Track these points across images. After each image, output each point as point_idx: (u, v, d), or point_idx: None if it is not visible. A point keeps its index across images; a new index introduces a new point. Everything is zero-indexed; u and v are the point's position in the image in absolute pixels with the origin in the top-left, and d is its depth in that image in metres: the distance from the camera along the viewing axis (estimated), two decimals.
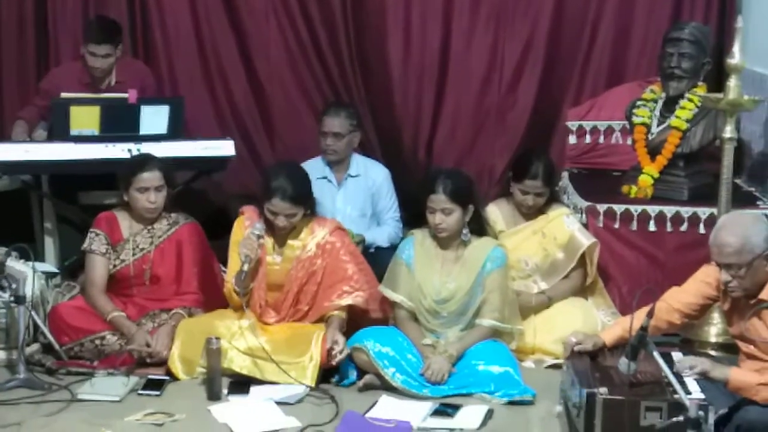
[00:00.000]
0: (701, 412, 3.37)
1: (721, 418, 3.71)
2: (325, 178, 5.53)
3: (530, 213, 5.09)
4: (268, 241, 4.75)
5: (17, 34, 6.26)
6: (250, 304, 4.73)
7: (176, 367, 4.58)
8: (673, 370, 3.75)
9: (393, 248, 5.00)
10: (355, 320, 4.76)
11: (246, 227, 4.74)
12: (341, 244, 4.76)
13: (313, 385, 4.46)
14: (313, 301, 4.73)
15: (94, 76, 5.72)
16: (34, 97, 5.90)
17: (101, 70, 5.70)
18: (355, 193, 5.59)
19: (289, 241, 4.76)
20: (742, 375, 3.86)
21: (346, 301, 4.69)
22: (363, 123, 6.39)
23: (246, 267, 4.59)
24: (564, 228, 5.03)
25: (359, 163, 5.66)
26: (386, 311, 4.84)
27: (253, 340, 4.56)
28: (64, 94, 5.45)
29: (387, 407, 4.31)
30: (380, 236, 5.54)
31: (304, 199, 4.71)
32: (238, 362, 4.55)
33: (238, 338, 4.58)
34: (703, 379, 3.86)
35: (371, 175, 5.63)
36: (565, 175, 5.81)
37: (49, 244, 5.55)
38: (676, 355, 4.08)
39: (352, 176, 5.61)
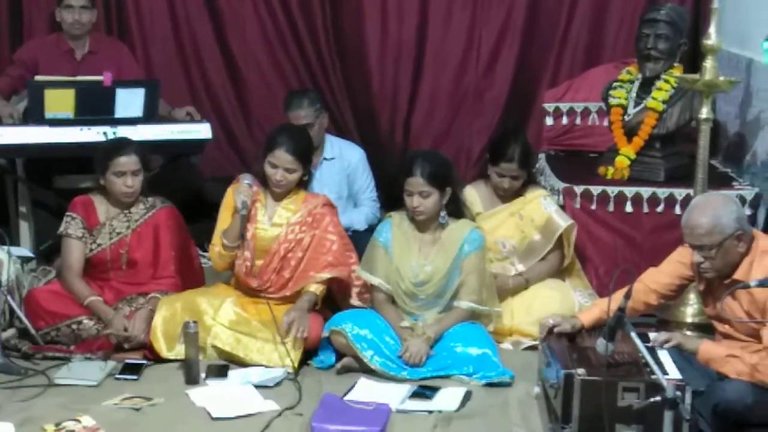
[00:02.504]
0: (678, 392, 3.39)
1: (697, 396, 3.74)
2: None
3: (507, 195, 5.09)
4: (260, 207, 4.77)
5: None
6: (235, 266, 4.76)
7: (158, 342, 4.58)
8: (647, 345, 3.77)
9: (371, 231, 5.00)
10: (336, 302, 4.77)
11: None
12: (330, 219, 4.78)
13: (295, 367, 4.47)
14: (296, 269, 4.74)
15: (72, 35, 5.68)
16: (7, 67, 5.84)
17: (80, 24, 5.66)
18: (330, 176, 5.59)
19: (280, 209, 4.78)
20: (711, 346, 3.91)
21: (328, 274, 4.68)
22: (340, 105, 6.42)
23: (244, 212, 4.65)
24: (541, 210, 5.03)
25: (333, 145, 5.66)
26: (365, 297, 4.83)
27: (237, 314, 4.59)
28: (38, 77, 5.42)
29: (365, 390, 4.32)
30: (357, 218, 5.54)
31: (304, 158, 4.75)
32: (222, 338, 4.57)
33: (222, 313, 4.60)
34: (677, 351, 3.89)
35: (346, 157, 5.63)
36: (542, 156, 5.83)
37: (25, 229, 5.52)
38: (653, 335, 4.11)
39: (327, 159, 5.61)
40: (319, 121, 5.54)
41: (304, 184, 4.84)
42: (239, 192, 4.71)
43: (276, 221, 4.78)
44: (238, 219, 4.69)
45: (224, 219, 4.79)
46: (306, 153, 4.78)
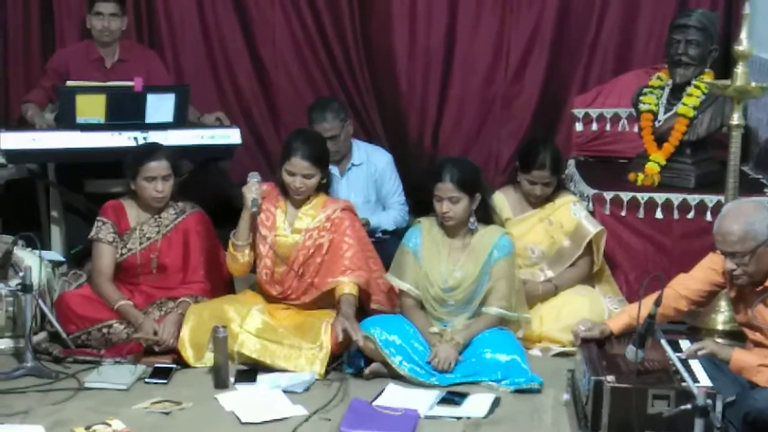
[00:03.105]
0: (709, 400, 3.37)
1: (728, 406, 3.72)
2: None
3: (537, 201, 5.09)
4: (280, 214, 4.79)
5: (22, 18, 6.27)
6: (257, 273, 4.78)
7: (186, 351, 4.60)
8: (679, 354, 3.76)
9: (399, 236, 5.01)
10: (362, 308, 4.77)
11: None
12: (350, 223, 4.78)
13: (322, 373, 4.49)
14: (316, 274, 4.75)
15: (102, 42, 5.71)
16: (40, 79, 5.89)
17: (109, 32, 5.69)
18: (358, 181, 5.60)
19: (300, 214, 4.79)
20: (744, 355, 3.90)
21: (345, 278, 4.66)
22: (368, 110, 6.42)
23: (254, 209, 4.67)
24: (571, 216, 5.03)
25: (361, 150, 5.67)
26: (392, 301, 4.85)
27: (264, 323, 4.60)
28: (70, 83, 5.46)
29: (394, 395, 4.32)
30: (385, 220, 5.56)
31: (321, 163, 4.75)
32: (249, 345, 4.58)
33: (249, 321, 4.62)
34: (708, 358, 3.88)
35: (373, 161, 5.64)
36: (571, 162, 5.82)
37: (56, 233, 5.56)
38: (684, 343, 4.09)
39: (355, 165, 5.62)
40: (345, 130, 5.55)
41: (324, 188, 4.85)
42: (249, 190, 4.72)
43: (297, 227, 4.78)
44: (246, 216, 4.71)
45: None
46: (322, 156, 4.78)
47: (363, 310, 4.76)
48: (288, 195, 4.81)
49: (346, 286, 4.65)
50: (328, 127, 5.46)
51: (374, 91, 6.45)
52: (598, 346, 4.09)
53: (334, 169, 5.57)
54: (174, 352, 4.65)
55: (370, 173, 5.63)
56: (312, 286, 4.76)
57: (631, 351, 3.76)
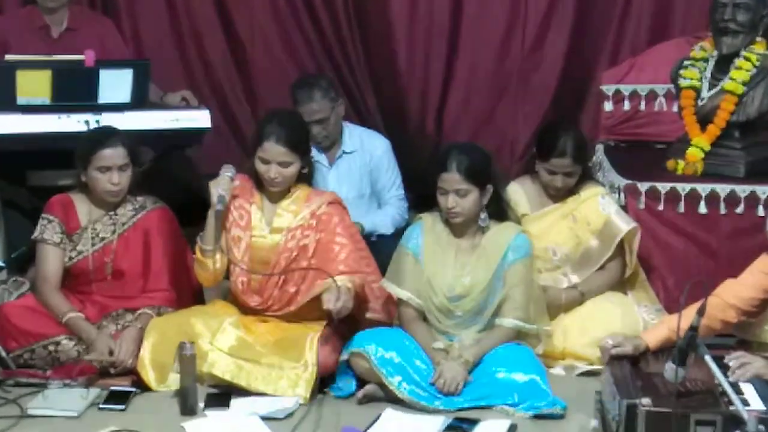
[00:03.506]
0: (761, 426, 3.38)
1: None
2: (315, 161, 5.52)
3: (559, 194, 5.09)
4: (256, 211, 4.78)
5: None
6: (231, 282, 4.78)
7: (147, 373, 4.59)
8: (727, 377, 3.75)
9: (398, 236, 5.00)
10: (354, 319, 4.76)
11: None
12: (339, 219, 4.77)
13: (307, 397, 4.48)
14: (302, 281, 4.74)
15: (47, 8, 5.68)
16: None
17: None
18: (350, 171, 5.60)
19: (280, 210, 4.78)
20: None
21: (340, 280, 4.62)
22: (361, 88, 6.41)
23: (220, 207, 4.65)
24: (599, 211, 5.03)
25: (353, 135, 5.67)
26: (390, 312, 4.84)
27: (238, 338, 4.60)
28: (9, 56, 5.43)
29: (391, 422, 4.32)
30: (382, 221, 5.55)
31: (299, 147, 4.74)
32: (221, 366, 4.57)
33: (221, 337, 4.61)
34: (759, 382, 3.87)
35: (368, 149, 5.64)
36: (599, 148, 5.83)
37: None
38: (730, 361, 4.07)
39: (346, 153, 5.62)
40: (335, 112, 5.56)
41: (306, 178, 4.83)
42: (216, 184, 4.72)
43: (276, 226, 4.77)
44: (212, 216, 4.70)
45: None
46: (301, 141, 4.77)
47: (355, 321, 4.75)
48: (264, 188, 4.79)
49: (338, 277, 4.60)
50: (316, 108, 5.45)
51: (368, 67, 6.45)
52: (631, 364, 4.09)
53: (321, 158, 5.57)
54: (133, 374, 4.63)
55: (364, 163, 5.63)
56: (297, 294, 4.74)
57: (670, 369, 3.75)
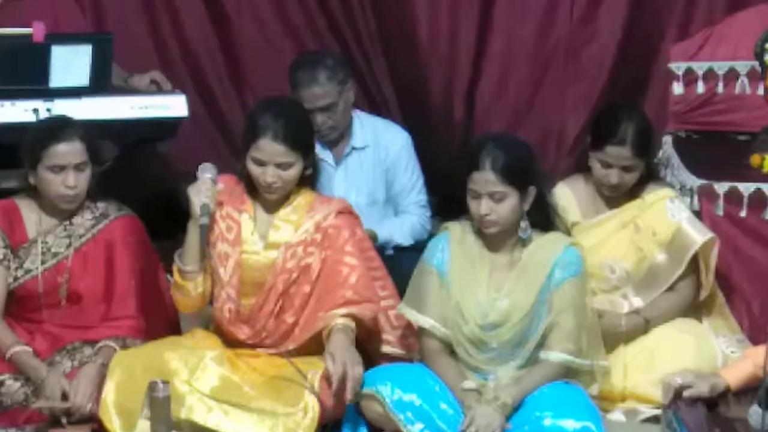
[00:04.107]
0: None
1: None
2: (319, 159, 5.52)
3: (616, 196, 5.11)
4: (247, 222, 4.79)
5: None
6: (215, 309, 4.79)
7: (110, 420, 4.58)
8: None
9: (419, 249, 5.01)
10: (363, 353, 4.75)
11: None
12: (349, 234, 4.78)
13: None
14: (303, 310, 4.74)
15: None
16: None
17: None
18: (361, 171, 5.64)
19: (277, 221, 4.79)
20: None
21: (345, 310, 4.65)
22: (374, 70, 6.42)
23: (205, 220, 4.65)
24: (667, 218, 5.06)
25: (365, 127, 5.70)
26: (410, 344, 4.87)
27: (222, 378, 4.60)
28: None
29: None
30: (399, 230, 5.58)
31: (302, 145, 4.74)
32: (201, 412, 4.57)
33: (201, 376, 4.61)
34: None
35: (383, 143, 5.67)
36: (667, 140, 5.81)
37: None
38: None
39: (357, 149, 5.65)
40: (344, 96, 5.58)
41: (309, 181, 4.83)
42: (197, 191, 4.72)
43: (272, 240, 4.78)
44: (195, 231, 4.70)
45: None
46: (304, 136, 4.78)
47: (368, 356, 4.76)
48: (257, 193, 4.80)
49: (339, 319, 4.62)
50: (320, 92, 5.48)
51: (382, 42, 6.47)
52: (707, 408, 4.12)
53: (326, 155, 5.58)
54: (93, 421, 4.64)
55: (378, 160, 5.67)
56: (296, 326, 4.75)
57: (756, 414, 3.78)
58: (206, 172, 4.78)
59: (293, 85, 5.56)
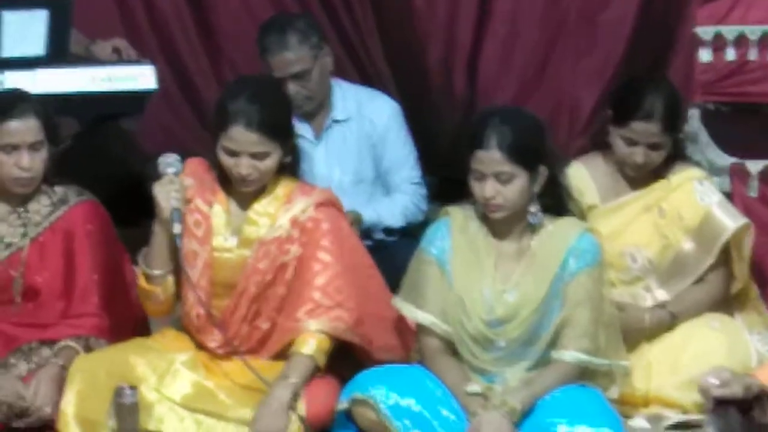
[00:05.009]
0: None
1: None
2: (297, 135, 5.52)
3: (640, 177, 5.10)
4: (219, 215, 4.77)
5: None
6: (183, 313, 4.80)
7: (70, 430, 4.58)
8: None
9: (414, 236, 5.03)
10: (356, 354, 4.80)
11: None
12: (329, 227, 4.75)
13: None
14: (278, 313, 4.74)
15: None
16: None
17: None
18: (344, 147, 5.66)
19: (253, 214, 4.78)
20: None
21: (315, 323, 4.64)
22: (363, 35, 6.41)
23: (178, 228, 4.62)
24: (695, 201, 5.07)
25: (348, 97, 5.71)
26: (406, 344, 4.87)
27: (195, 384, 4.62)
28: None
29: None
30: (388, 210, 5.59)
31: (280, 133, 4.71)
32: (172, 422, 4.60)
33: (171, 383, 4.62)
34: None
35: (368, 114, 5.69)
36: (694, 113, 5.83)
37: None
38: None
39: (337, 121, 5.66)
40: (319, 62, 5.59)
41: (290, 169, 4.81)
42: (164, 190, 4.67)
43: (247, 236, 4.76)
44: (163, 234, 4.68)
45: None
46: (279, 122, 4.74)
47: (356, 360, 4.79)
48: (229, 183, 4.77)
49: (306, 341, 4.61)
50: (291, 58, 5.50)
51: (373, 8, 6.45)
52: (740, 411, 4.11)
53: (304, 129, 5.57)
54: (50, 429, 4.64)
55: (363, 134, 5.69)
56: (271, 332, 4.75)
57: None
58: (169, 167, 4.73)
59: (261, 51, 5.59)
